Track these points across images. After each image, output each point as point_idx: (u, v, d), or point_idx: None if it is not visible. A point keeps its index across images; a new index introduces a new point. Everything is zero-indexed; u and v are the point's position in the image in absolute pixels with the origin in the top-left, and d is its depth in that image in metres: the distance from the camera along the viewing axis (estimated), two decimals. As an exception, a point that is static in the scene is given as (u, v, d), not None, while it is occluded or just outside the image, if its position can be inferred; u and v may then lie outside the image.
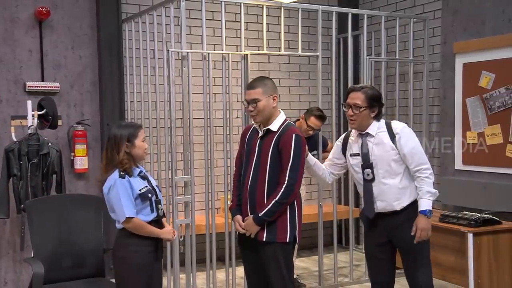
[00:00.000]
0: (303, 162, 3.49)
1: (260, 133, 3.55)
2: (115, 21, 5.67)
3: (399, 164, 3.53)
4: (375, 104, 3.57)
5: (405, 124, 3.63)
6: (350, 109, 3.56)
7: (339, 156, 3.77)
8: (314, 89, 6.11)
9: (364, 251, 3.88)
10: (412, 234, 3.49)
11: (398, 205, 3.54)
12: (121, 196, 3.31)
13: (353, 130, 3.70)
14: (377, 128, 3.58)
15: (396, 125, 3.59)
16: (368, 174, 3.56)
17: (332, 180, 3.87)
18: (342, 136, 3.83)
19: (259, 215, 3.44)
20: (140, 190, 3.35)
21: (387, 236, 3.61)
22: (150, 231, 3.38)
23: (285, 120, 3.57)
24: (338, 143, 3.79)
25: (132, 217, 3.32)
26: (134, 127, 3.45)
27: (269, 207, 3.42)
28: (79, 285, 3.86)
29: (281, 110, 3.60)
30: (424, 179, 3.50)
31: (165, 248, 4.77)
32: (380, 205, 3.56)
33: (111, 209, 3.40)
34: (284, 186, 3.41)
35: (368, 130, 3.58)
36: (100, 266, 4.01)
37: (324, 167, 3.82)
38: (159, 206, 3.44)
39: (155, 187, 3.48)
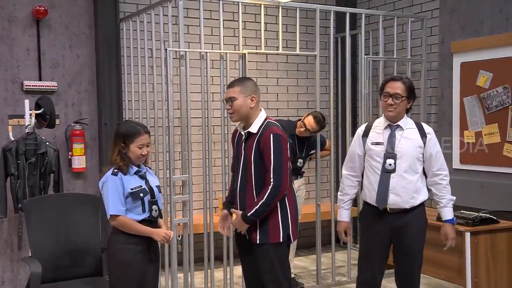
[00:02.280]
0: (285, 160, 3.43)
1: (243, 136, 3.55)
2: (113, 20, 5.66)
3: (419, 164, 3.57)
4: (412, 96, 3.63)
5: None
6: (390, 98, 3.57)
7: (360, 146, 3.72)
8: (312, 88, 6.10)
9: (360, 247, 3.85)
10: (447, 245, 3.61)
11: (410, 203, 3.55)
12: (109, 193, 3.30)
13: (378, 121, 3.70)
14: (406, 123, 3.63)
15: (426, 126, 3.67)
16: (390, 164, 3.55)
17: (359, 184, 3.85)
18: (363, 126, 3.80)
19: (248, 214, 3.44)
20: (131, 189, 3.32)
21: (390, 236, 3.60)
22: (137, 229, 3.33)
23: (265, 120, 3.52)
24: (360, 132, 3.75)
25: (118, 215, 3.29)
26: (134, 130, 3.37)
27: (256, 207, 3.41)
28: (76, 285, 3.85)
29: (262, 109, 3.57)
30: (446, 186, 3.58)
31: (163, 248, 4.76)
32: (392, 199, 3.54)
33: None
34: (269, 188, 3.40)
35: (399, 123, 3.61)
36: (98, 265, 3.99)
37: (348, 174, 3.77)
38: (154, 206, 3.39)
39: (153, 187, 3.43)
